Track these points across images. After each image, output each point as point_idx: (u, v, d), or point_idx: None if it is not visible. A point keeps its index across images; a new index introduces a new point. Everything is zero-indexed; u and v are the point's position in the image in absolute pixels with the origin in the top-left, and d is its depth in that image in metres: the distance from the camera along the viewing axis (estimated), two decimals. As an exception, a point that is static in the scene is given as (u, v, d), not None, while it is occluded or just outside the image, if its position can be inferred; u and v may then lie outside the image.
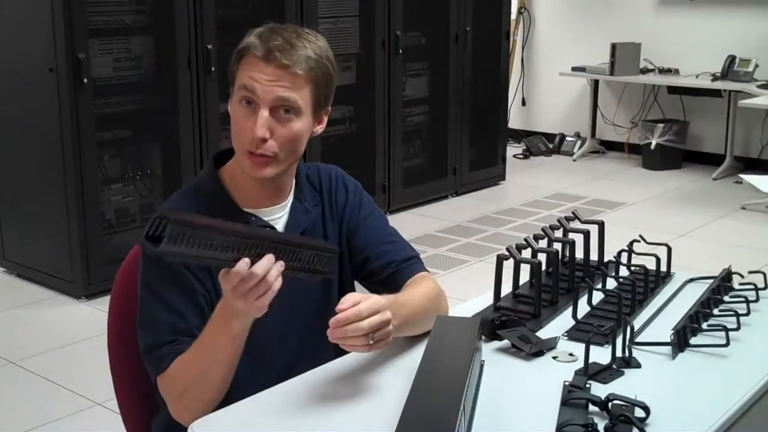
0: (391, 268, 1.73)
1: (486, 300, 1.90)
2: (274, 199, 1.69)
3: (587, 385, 1.50)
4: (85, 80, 3.95)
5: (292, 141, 1.61)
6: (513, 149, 7.31)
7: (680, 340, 1.68)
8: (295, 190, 1.73)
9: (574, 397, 1.44)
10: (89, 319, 3.93)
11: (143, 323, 1.60)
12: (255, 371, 1.59)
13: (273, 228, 1.67)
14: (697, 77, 6.63)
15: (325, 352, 1.65)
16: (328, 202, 1.76)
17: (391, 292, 1.63)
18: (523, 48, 7.77)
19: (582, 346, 1.58)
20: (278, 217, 1.69)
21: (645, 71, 6.89)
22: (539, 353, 1.65)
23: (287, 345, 1.68)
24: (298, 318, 1.69)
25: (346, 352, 1.57)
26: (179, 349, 1.55)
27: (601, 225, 2.06)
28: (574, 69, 7.13)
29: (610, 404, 1.40)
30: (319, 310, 1.68)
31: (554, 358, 1.64)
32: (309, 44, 1.60)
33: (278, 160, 1.61)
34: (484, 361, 1.61)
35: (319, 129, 1.67)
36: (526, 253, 1.92)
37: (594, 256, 2.06)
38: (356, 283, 1.81)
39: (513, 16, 7.05)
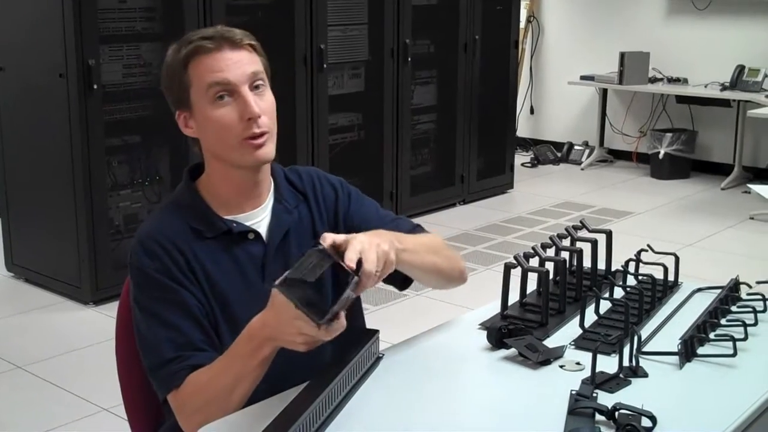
0: None
1: (493, 308, 1.90)
2: (252, 202, 1.69)
3: (594, 394, 1.50)
4: (95, 86, 3.97)
5: (274, 111, 1.64)
6: (521, 158, 7.32)
7: (687, 350, 1.68)
8: (274, 191, 1.73)
9: (580, 406, 1.44)
10: (97, 324, 3.94)
11: (144, 344, 1.60)
12: None
13: (257, 232, 1.67)
14: (705, 87, 6.63)
15: (322, 353, 1.57)
16: (314, 201, 1.76)
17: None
18: (531, 57, 7.77)
19: (589, 355, 1.58)
20: (259, 220, 1.69)
21: (654, 80, 6.89)
22: (546, 362, 1.65)
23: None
24: None
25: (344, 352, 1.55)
26: (188, 364, 1.55)
27: (608, 234, 2.06)
28: (582, 78, 7.13)
29: (616, 413, 1.40)
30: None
31: (561, 366, 1.64)
32: (233, 27, 1.64)
33: (272, 135, 1.64)
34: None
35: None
36: (534, 262, 1.92)
37: (601, 265, 2.06)
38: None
39: (522, 24, 7.07)
